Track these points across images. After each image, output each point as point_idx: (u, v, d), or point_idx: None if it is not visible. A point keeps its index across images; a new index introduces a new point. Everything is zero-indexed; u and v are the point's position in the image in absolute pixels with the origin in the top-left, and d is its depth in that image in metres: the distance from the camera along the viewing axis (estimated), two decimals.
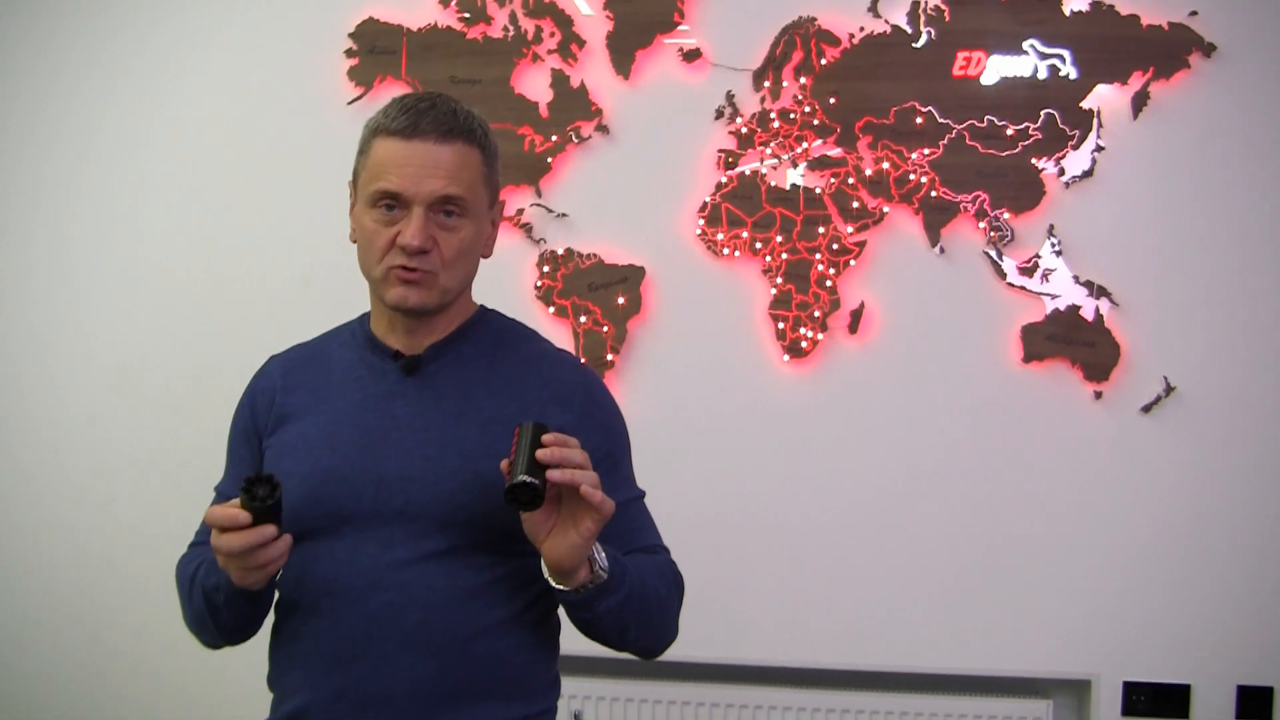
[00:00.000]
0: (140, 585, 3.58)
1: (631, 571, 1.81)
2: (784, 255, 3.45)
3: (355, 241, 1.93)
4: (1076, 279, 3.39)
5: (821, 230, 3.44)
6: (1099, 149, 3.38)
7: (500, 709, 1.85)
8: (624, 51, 3.51)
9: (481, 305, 2.03)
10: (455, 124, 1.86)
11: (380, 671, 1.80)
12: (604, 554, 1.74)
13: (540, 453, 1.65)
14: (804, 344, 3.44)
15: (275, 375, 2.02)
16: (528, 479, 1.64)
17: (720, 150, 3.47)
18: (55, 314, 3.72)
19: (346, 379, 1.95)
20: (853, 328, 3.44)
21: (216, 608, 1.86)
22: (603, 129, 3.51)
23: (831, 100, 3.44)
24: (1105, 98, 3.39)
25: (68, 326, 3.72)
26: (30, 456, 3.74)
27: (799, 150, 3.45)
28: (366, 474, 1.85)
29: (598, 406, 1.98)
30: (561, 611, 1.97)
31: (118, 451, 3.69)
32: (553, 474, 1.65)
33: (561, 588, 1.74)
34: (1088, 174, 3.39)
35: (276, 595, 1.95)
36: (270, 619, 1.96)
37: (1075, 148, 3.39)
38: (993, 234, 3.40)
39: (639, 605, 1.81)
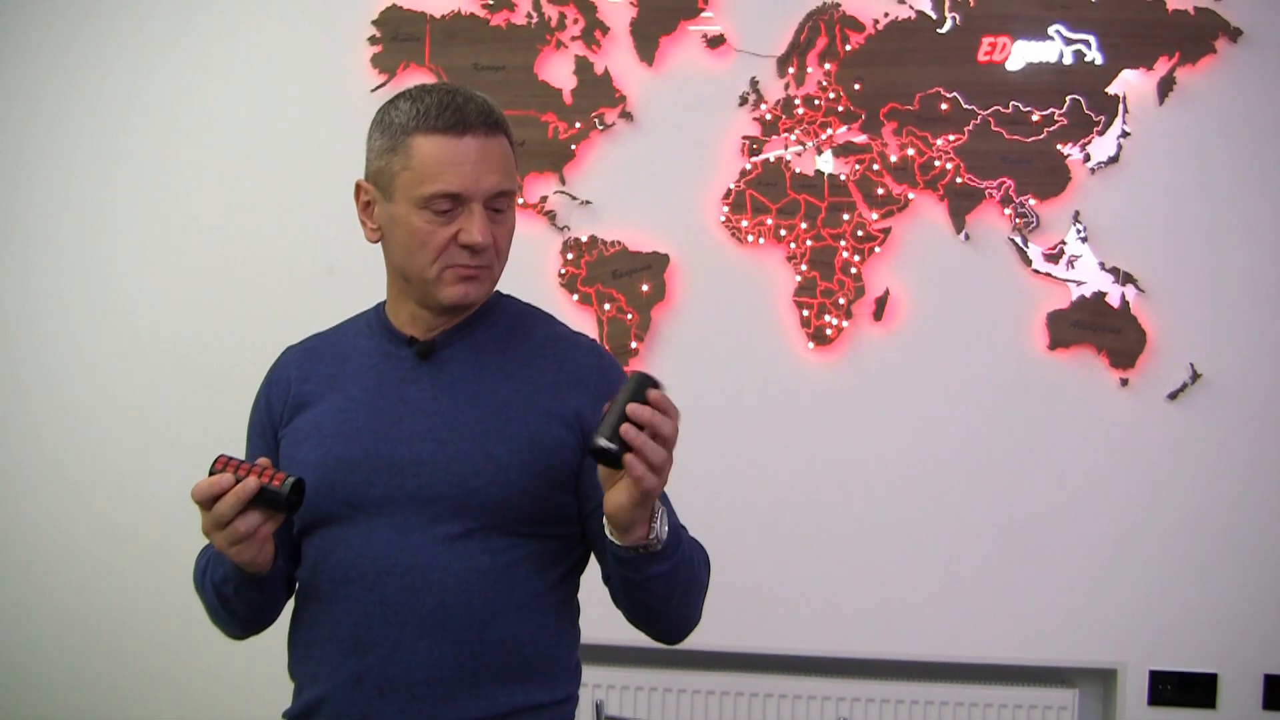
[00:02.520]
0: (168, 570, 3.58)
1: (685, 543, 1.81)
2: (808, 242, 3.44)
3: (375, 241, 1.91)
4: (1102, 265, 3.37)
5: (846, 217, 3.43)
6: (1125, 135, 3.37)
7: (521, 693, 1.84)
8: (648, 38, 3.50)
9: (498, 291, 2.02)
10: (495, 117, 1.85)
11: (398, 656, 1.80)
12: (664, 520, 1.73)
13: (625, 428, 1.60)
14: (829, 331, 3.44)
15: (290, 366, 2.02)
16: (605, 444, 1.62)
17: (744, 137, 3.47)
18: (84, 302, 3.73)
19: (362, 367, 1.94)
20: (877, 315, 3.43)
21: (227, 599, 1.87)
22: (627, 116, 3.51)
23: (856, 86, 3.43)
24: (1131, 83, 3.38)
25: (96, 315, 3.73)
26: (59, 443, 3.75)
27: (823, 137, 3.44)
28: (380, 459, 1.84)
29: (612, 389, 1.96)
30: (582, 596, 1.98)
31: (146, 437, 3.70)
32: (627, 458, 1.61)
33: (617, 543, 1.72)
34: (1113, 160, 3.37)
35: (297, 585, 1.96)
36: (289, 608, 1.97)
37: (1101, 133, 3.37)
38: (1018, 220, 3.39)
39: (686, 576, 1.80)
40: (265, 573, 1.81)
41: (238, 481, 1.70)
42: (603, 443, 1.61)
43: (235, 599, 1.86)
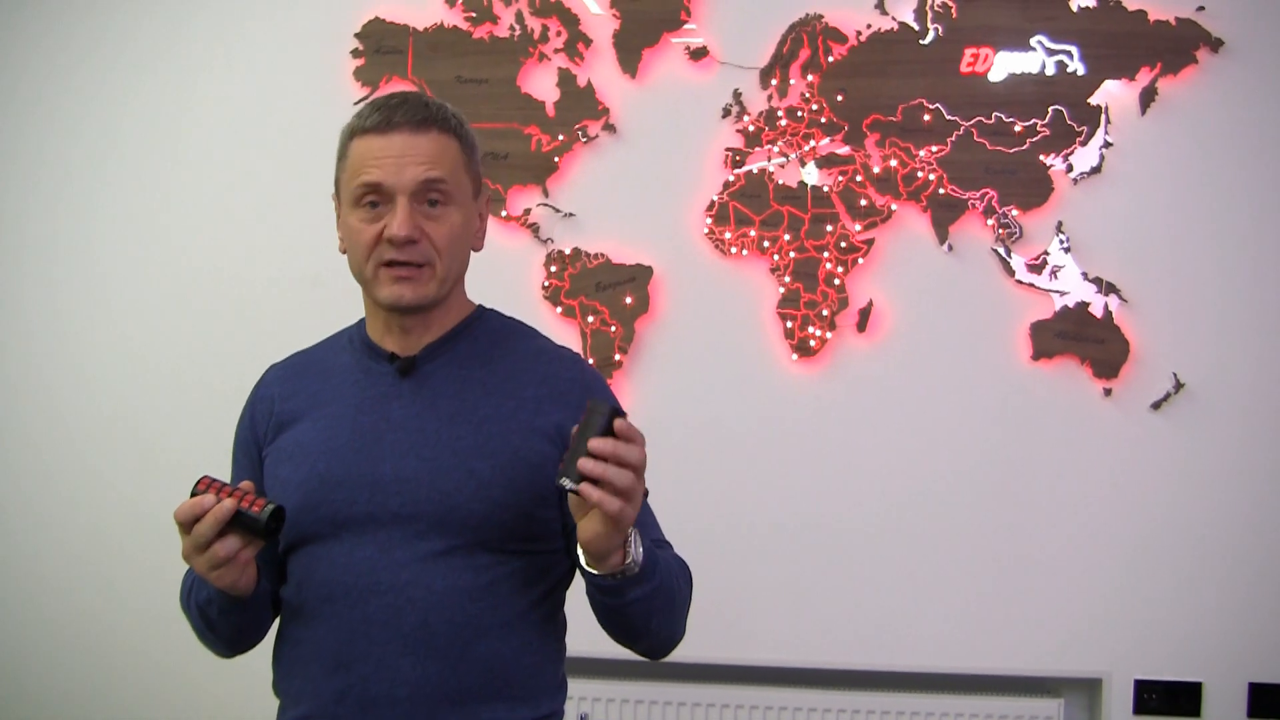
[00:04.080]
0: (157, 584, 3.56)
1: (662, 563, 1.80)
2: (792, 254, 3.44)
3: (344, 252, 1.92)
4: (1085, 276, 3.38)
5: (829, 228, 3.43)
6: (1107, 145, 3.38)
7: (505, 711, 1.83)
8: (631, 50, 3.50)
9: (480, 305, 2.03)
10: (429, 114, 1.87)
11: (382, 674, 1.79)
12: (638, 543, 1.72)
13: (582, 462, 1.60)
14: (812, 343, 3.44)
15: (274, 384, 2.02)
16: (569, 486, 1.62)
17: (728, 149, 3.47)
18: (72, 315, 3.73)
19: (344, 384, 1.94)
20: (861, 326, 3.44)
21: (212, 620, 1.87)
22: (610, 128, 3.51)
23: (839, 98, 3.44)
24: (1113, 94, 3.39)
25: (83, 324, 3.72)
26: (51, 453, 3.74)
27: (806, 148, 3.44)
28: (362, 477, 1.84)
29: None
30: (568, 609, 1.97)
31: (135, 448, 3.69)
32: (585, 489, 1.60)
33: (593, 571, 1.72)
34: (1096, 170, 3.38)
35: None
36: (275, 626, 1.97)
37: (1084, 144, 3.38)
38: (1001, 231, 3.40)
39: (665, 598, 1.80)
40: (248, 595, 1.81)
41: (218, 504, 1.70)
42: (566, 484, 1.62)
43: (220, 620, 1.86)
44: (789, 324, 3.44)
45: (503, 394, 1.90)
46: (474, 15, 3.54)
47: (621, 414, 1.65)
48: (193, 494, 1.71)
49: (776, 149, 3.45)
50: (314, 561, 1.86)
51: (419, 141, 1.84)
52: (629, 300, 3.48)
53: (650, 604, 1.76)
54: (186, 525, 1.70)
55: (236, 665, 2.20)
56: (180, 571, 1.97)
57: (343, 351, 2.00)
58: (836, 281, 3.43)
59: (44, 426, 3.75)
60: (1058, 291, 3.39)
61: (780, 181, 3.45)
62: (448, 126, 1.88)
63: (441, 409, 1.88)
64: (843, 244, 3.43)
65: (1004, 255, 3.40)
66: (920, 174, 3.42)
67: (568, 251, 3.50)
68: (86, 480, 3.72)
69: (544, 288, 3.51)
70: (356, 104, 3.50)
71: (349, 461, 1.85)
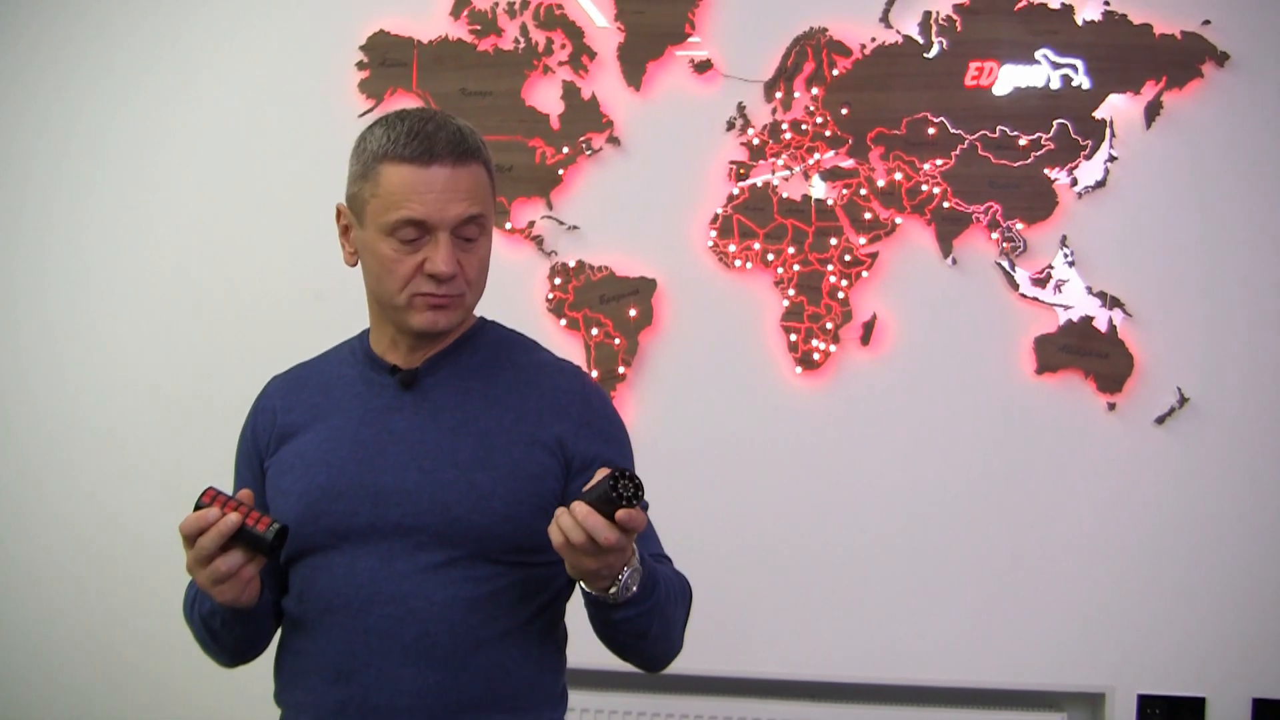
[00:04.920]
0: (151, 596, 3.59)
1: (661, 582, 1.79)
2: (796, 267, 3.44)
3: (353, 265, 1.93)
4: (1090, 290, 3.37)
5: (833, 241, 3.43)
6: (1112, 159, 3.37)
7: None
8: (635, 63, 3.50)
9: (482, 318, 2.03)
10: (467, 145, 1.84)
11: (382, 684, 1.80)
12: (634, 575, 1.71)
13: (560, 519, 1.63)
14: (816, 356, 3.43)
15: (275, 396, 2.03)
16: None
17: (732, 161, 3.47)
18: (68, 326, 3.74)
19: (346, 396, 1.95)
20: (865, 339, 3.43)
21: (214, 631, 1.88)
22: (614, 141, 3.51)
23: (843, 111, 3.44)
24: (1118, 107, 3.38)
25: (80, 338, 3.73)
26: (43, 466, 3.75)
27: (811, 161, 3.44)
28: (363, 489, 1.85)
29: (596, 416, 1.97)
30: (569, 621, 1.97)
31: (130, 462, 3.69)
32: (559, 547, 1.63)
33: (585, 588, 1.73)
34: (1100, 184, 3.37)
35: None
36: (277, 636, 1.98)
37: (1088, 158, 3.37)
38: (1005, 245, 3.39)
39: (660, 616, 1.80)
40: (251, 609, 1.81)
41: (223, 518, 1.70)
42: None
43: (223, 632, 1.87)
44: (793, 337, 3.44)
45: (504, 406, 1.91)
46: (478, 28, 3.54)
47: (633, 487, 1.61)
48: (197, 506, 1.71)
49: (781, 162, 3.45)
50: (315, 573, 1.87)
51: (459, 176, 1.82)
52: (633, 313, 3.48)
53: (644, 623, 1.77)
54: (190, 538, 1.71)
55: (235, 677, 2.20)
56: (180, 583, 1.97)
57: (344, 364, 2.00)
58: (840, 295, 3.43)
59: (38, 439, 3.76)
60: (1062, 305, 3.38)
61: (784, 194, 3.45)
62: (480, 156, 1.87)
63: (443, 421, 1.89)
64: (847, 257, 3.43)
65: (1008, 269, 3.40)
66: (924, 187, 3.41)
67: (571, 264, 3.51)
68: (83, 494, 3.73)
69: (548, 300, 3.51)
70: (361, 116, 3.53)
71: (350, 473, 1.86)
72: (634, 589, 1.70)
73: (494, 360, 1.97)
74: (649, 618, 1.76)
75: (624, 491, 1.60)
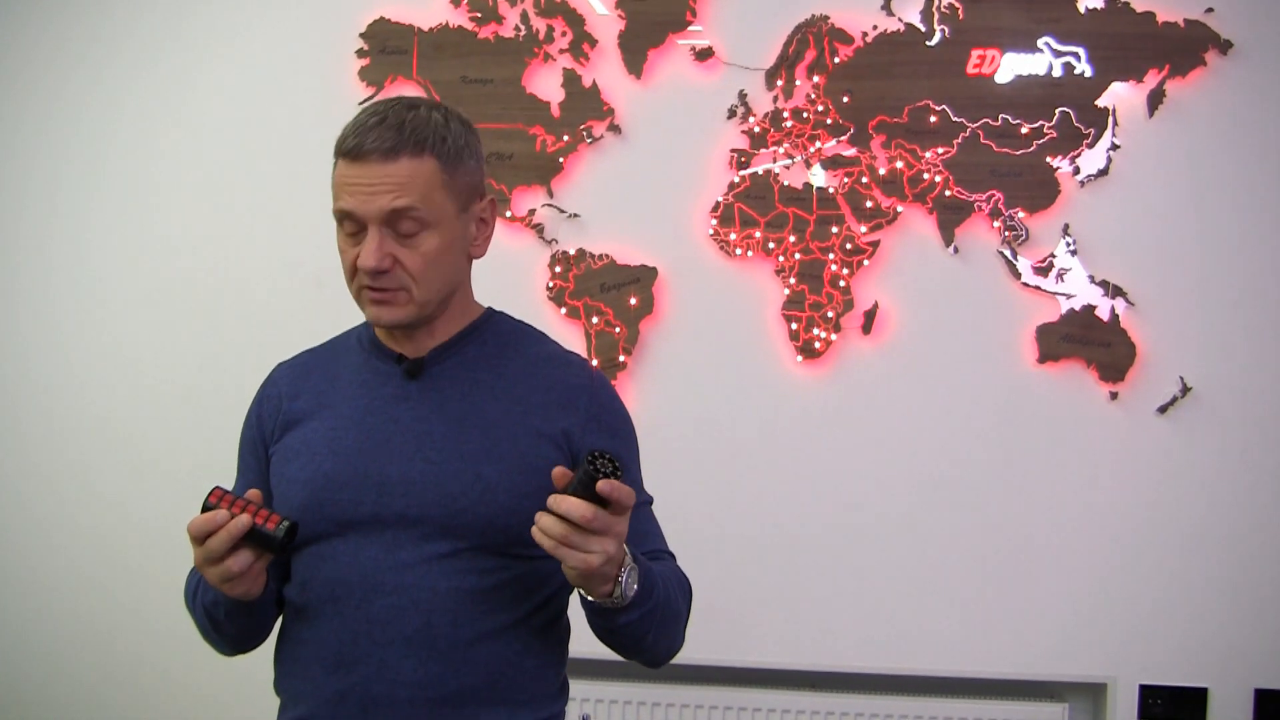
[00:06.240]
0: (154, 587, 3.59)
1: (659, 584, 1.78)
2: (797, 255, 3.43)
3: None
4: (1092, 279, 3.37)
5: (835, 230, 3.42)
6: (1114, 147, 3.36)
7: (506, 714, 1.84)
8: (636, 51, 3.49)
9: (489, 308, 2.02)
10: (399, 138, 1.81)
11: (383, 674, 1.79)
12: (632, 577, 1.69)
13: (541, 520, 1.61)
14: (817, 345, 3.43)
15: (281, 382, 2.02)
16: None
17: (733, 150, 3.46)
18: (71, 315, 3.73)
19: (352, 384, 1.94)
20: (866, 328, 3.43)
21: (218, 621, 1.87)
22: (615, 129, 3.50)
23: (845, 99, 3.42)
24: (1121, 96, 3.37)
25: (82, 327, 3.73)
26: (48, 456, 3.75)
27: (812, 150, 3.43)
28: (368, 478, 1.84)
29: (603, 410, 1.96)
30: (570, 612, 1.96)
31: (134, 452, 3.69)
32: (547, 546, 1.61)
33: (586, 596, 1.71)
34: (1103, 173, 3.36)
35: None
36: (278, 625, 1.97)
37: (1090, 146, 3.37)
38: (1007, 233, 3.38)
39: (660, 618, 1.78)
40: (254, 598, 1.80)
41: (232, 518, 1.69)
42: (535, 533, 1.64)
43: (226, 621, 1.86)
44: (794, 326, 3.43)
45: (510, 398, 1.90)
46: (479, 15, 3.53)
47: (611, 465, 1.61)
48: (204, 508, 1.70)
49: (782, 150, 3.44)
50: (319, 561, 1.86)
51: (388, 170, 1.80)
52: (633, 301, 3.47)
53: (643, 626, 1.76)
54: (199, 540, 1.70)
55: (235, 667, 2.20)
56: (180, 573, 1.97)
57: (350, 352, 1.99)
58: (841, 283, 3.42)
59: (41, 431, 3.76)
60: (1064, 294, 3.38)
61: (785, 183, 3.44)
62: (421, 148, 1.82)
63: (449, 412, 1.88)
64: (848, 246, 3.42)
65: (1010, 258, 3.39)
66: (926, 176, 3.40)
67: (572, 252, 3.50)
68: (86, 485, 3.73)
69: (548, 289, 3.50)
70: (361, 104, 3.50)
71: (355, 462, 1.85)
72: (635, 587, 1.69)
73: (501, 351, 1.96)
74: (649, 620, 1.75)
75: (602, 469, 1.59)
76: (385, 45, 3.56)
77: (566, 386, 1.93)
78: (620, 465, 1.61)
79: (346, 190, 1.81)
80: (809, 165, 3.44)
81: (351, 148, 1.81)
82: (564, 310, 3.49)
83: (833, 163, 3.43)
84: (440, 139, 1.85)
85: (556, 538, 1.60)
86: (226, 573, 1.70)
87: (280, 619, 1.97)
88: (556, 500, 1.60)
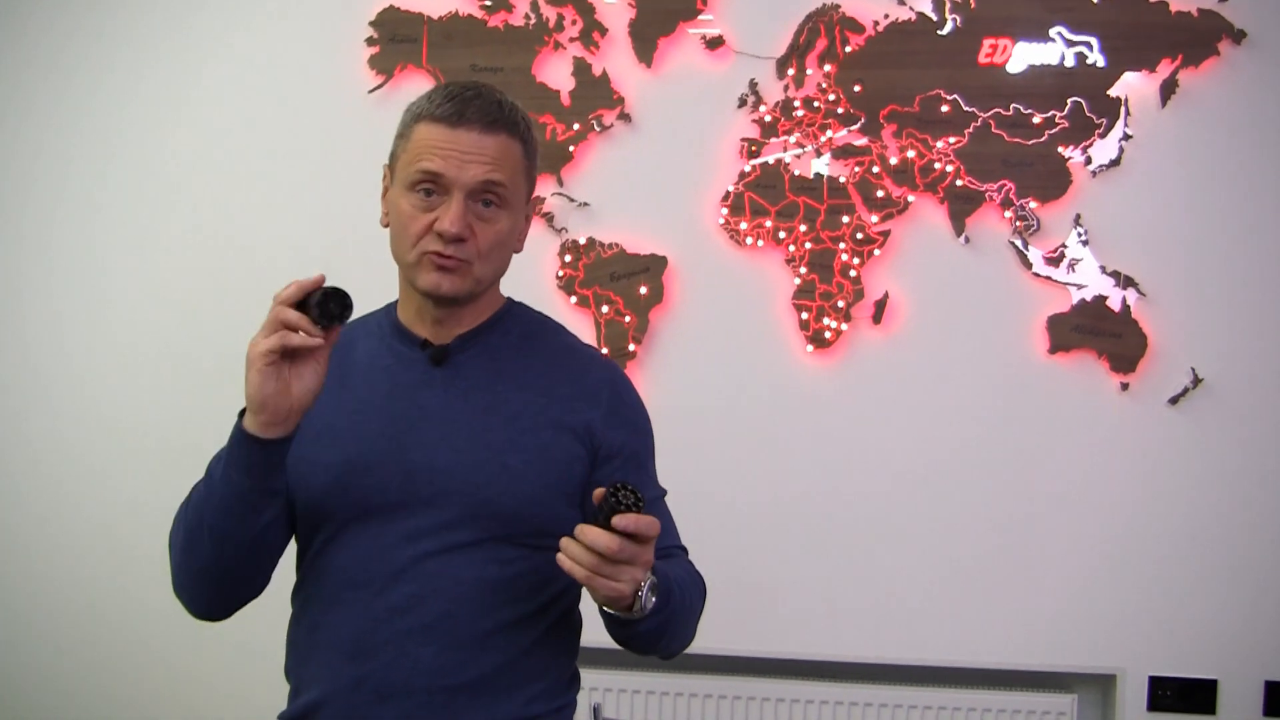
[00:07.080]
0: (160, 580, 3.57)
1: (676, 591, 1.77)
2: (807, 245, 3.42)
3: (386, 226, 1.91)
4: (1103, 269, 3.35)
5: (845, 220, 3.41)
6: (1127, 137, 3.35)
7: (521, 700, 1.85)
8: (646, 39, 3.48)
9: (509, 298, 2.02)
10: (500, 114, 1.85)
11: (401, 662, 1.80)
12: (650, 592, 1.68)
13: (566, 546, 1.61)
14: (827, 334, 3.42)
15: None
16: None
17: (743, 139, 3.45)
18: (78, 306, 3.72)
19: (374, 368, 1.93)
20: (877, 318, 3.42)
21: (228, 529, 1.78)
22: (625, 117, 3.49)
23: (856, 88, 3.41)
24: (1133, 85, 3.36)
25: (90, 318, 3.72)
26: (52, 448, 3.75)
27: (823, 139, 3.42)
28: (393, 464, 1.84)
29: (624, 404, 1.97)
30: (582, 602, 1.96)
31: (141, 442, 3.69)
32: (572, 570, 1.61)
33: (600, 605, 1.71)
34: (1115, 163, 3.35)
35: (294, 582, 1.95)
36: (287, 609, 1.96)
37: (1103, 136, 3.35)
38: (1019, 223, 3.37)
39: (676, 619, 1.79)
40: (274, 440, 1.73)
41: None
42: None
43: (238, 524, 1.76)
44: (804, 315, 3.43)
45: (535, 390, 1.90)
46: (489, 3, 3.52)
47: (633, 496, 1.62)
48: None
49: (793, 139, 3.43)
50: (338, 546, 1.86)
51: (486, 141, 1.82)
52: (643, 290, 3.46)
53: (659, 631, 1.75)
54: (280, 302, 1.70)
55: (241, 648, 2.19)
56: None
57: (370, 335, 1.98)
58: (852, 273, 3.41)
59: (46, 426, 3.75)
60: (1075, 285, 3.37)
61: (796, 172, 3.43)
62: (516, 130, 1.87)
63: (474, 401, 1.88)
64: (859, 235, 3.41)
65: (1021, 248, 3.38)
66: (937, 165, 3.39)
67: (582, 241, 3.49)
68: (92, 479, 3.73)
69: (558, 277, 3.49)
70: (371, 92, 3.52)
71: (380, 447, 1.85)
72: (654, 599, 1.69)
73: (525, 342, 1.97)
74: (666, 626, 1.75)
75: (624, 500, 1.60)
76: (395, 33, 3.55)
77: (591, 381, 1.95)
78: (642, 498, 1.62)
79: (438, 153, 1.82)
80: (819, 154, 3.43)
81: (451, 113, 1.82)
82: (574, 299, 3.48)
83: (843, 152, 3.42)
84: (528, 127, 1.91)
85: (588, 568, 1.60)
86: (285, 340, 1.67)
87: (291, 604, 1.96)
88: (583, 530, 1.60)
